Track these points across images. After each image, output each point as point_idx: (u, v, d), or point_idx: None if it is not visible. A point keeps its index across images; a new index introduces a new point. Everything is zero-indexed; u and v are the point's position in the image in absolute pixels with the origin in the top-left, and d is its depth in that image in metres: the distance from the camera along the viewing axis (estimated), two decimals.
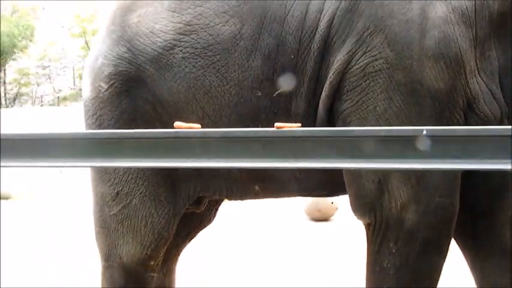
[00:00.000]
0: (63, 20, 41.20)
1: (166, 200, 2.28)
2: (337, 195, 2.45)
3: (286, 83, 2.01)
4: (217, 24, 2.05)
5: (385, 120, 1.92)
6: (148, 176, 2.26)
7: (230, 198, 2.43)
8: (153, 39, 2.16)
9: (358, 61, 1.93)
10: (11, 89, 38.04)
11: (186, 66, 2.09)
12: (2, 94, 36.98)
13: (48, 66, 38.56)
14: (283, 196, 2.57)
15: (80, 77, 38.18)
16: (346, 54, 1.94)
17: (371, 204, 2.04)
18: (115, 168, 2.21)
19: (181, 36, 2.11)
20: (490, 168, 0.94)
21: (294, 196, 2.55)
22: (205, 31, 2.06)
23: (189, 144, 1.25)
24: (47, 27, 41.61)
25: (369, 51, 1.91)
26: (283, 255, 5.24)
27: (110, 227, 2.34)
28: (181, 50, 2.11)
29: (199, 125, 1.37)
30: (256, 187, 2.29)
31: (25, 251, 5.58)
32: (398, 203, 1.97)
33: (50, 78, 38.23)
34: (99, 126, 2.26)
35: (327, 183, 2.27)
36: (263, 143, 1.23)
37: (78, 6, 40.65)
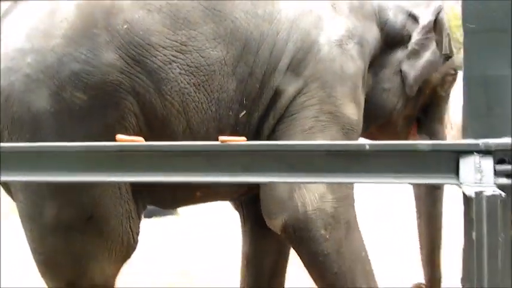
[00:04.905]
0: None
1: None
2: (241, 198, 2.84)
3: (249, 107, 2.35)
4: (207, 48, 2.25)
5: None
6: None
7: (173, 207, 2.59)
8: (152, 52, 2.16)
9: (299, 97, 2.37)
10: None
11: (181, 82, 2.21)
12: None
13: None
14: (217, 200, 2.81)
15: None
16: (294, 91, 2.36)
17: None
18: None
19: (179, 54, 2.21)
20: (435, 183, 0.97)
21: (224, 200, 2.89)
22: (198, 53, 2.24)
23: (134, 158, 1.22)
24: None
25: (308, 92, 2.37)
26: None
27: None
28: (178, 66, 2.19)
29: (142, 138, 1.35)
30: (198, 193, 2.48)
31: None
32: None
33: None
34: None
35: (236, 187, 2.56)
36: (207, 157, 1.22)
37: None
